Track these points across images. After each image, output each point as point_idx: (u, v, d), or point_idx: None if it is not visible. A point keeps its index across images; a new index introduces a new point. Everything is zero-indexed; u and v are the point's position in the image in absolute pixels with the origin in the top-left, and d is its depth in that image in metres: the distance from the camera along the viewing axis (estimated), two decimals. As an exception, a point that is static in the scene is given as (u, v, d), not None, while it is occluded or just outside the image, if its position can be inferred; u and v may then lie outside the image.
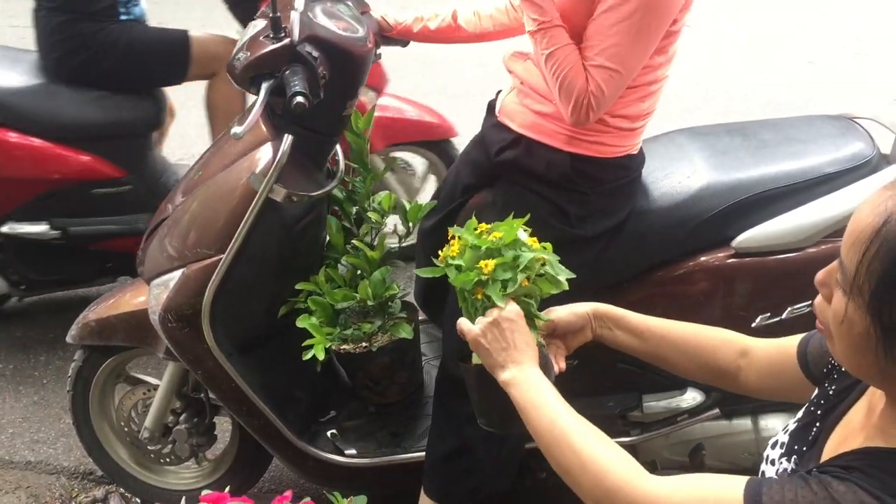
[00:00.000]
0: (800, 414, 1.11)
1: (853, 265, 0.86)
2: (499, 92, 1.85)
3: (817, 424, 1.05)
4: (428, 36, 1.99)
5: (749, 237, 1.73)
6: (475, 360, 1.25)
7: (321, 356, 1.72)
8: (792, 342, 1.21)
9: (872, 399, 0.99)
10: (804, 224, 1.71)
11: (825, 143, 1.83)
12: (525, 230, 1.24)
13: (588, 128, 1.64)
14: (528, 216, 1.28)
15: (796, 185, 1.74)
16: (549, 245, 1.25)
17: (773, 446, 1.11)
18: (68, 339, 2.07)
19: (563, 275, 1.22)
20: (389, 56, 2.12)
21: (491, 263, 1.19)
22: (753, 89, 4.91)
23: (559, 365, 1.29)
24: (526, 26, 1.60)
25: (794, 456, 1.05)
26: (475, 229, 1.25)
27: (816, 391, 1.12)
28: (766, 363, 1.23)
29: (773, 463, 1.08)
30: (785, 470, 1.04)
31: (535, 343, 1.19)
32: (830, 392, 1.08)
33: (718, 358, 1.27)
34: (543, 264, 1.22)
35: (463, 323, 1.22)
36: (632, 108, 1.66)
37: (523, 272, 1.19)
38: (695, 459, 1.92)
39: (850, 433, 0.99)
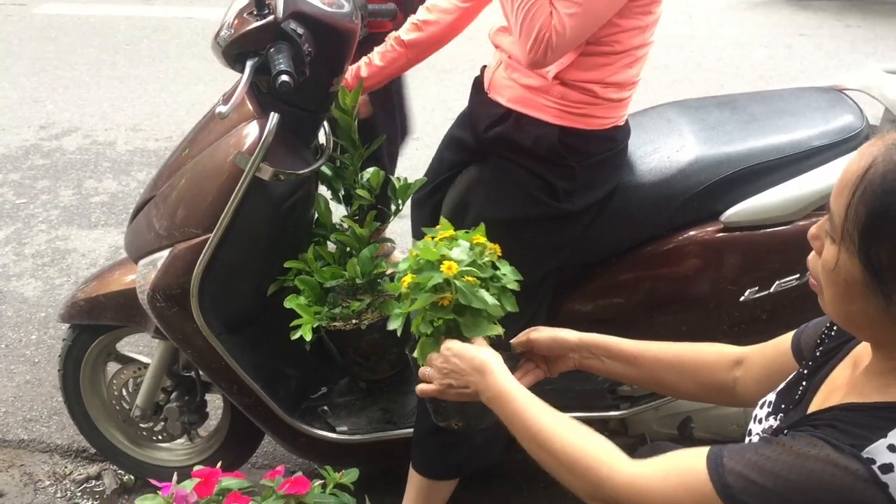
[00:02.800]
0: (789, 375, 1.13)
1: (841, 211, 0.87)
2: (483, 67, 1.84)
3: (804, 383, 1.07)
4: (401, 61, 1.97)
5: (738, 211, 1.73)
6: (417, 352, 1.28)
7: (308, 336, 1.72)
8: (785, 339, 1.21)
9: (858, 357, 1.00)
10: (793, 197, 1.71)
11: (814, 116, 1.82)
12: (479, 242, 1.27)
13: (577, 100, 1.64)
14: (482, 227, 1.30)
15: (785, 158, 1.73)
16: (505, 266, 1.29)
17: (762, 406, 1.13)
18: (58, 318, 2.07)
19: (478, 303, 1.21)
20: (377, 30, 2.10)
21: (407, 279, 1.24)
22: (742, 60, 4.89)
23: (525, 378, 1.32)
24: None
25: (781, 414, 1.07)
26: (434, 237, 1.29)
27: None
28: (762, 366, 1.23)
29: (759, 422, 1.10)
30: (770, 427, 1.06)
31: (483, 348, 1.21)
32: (818, 353, 1.09)
33: (715, 372, 1.27)
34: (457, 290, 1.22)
35: (421, 389, 1.26)
36: (621, 75, 1.64)
37: (432, 293, 1.22)
38: (684, 432, 1.93)
39: (834, 390, 1.00)
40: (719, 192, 1.73)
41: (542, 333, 1.32)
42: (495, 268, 1.28)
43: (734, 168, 1.73)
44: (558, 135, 1.66)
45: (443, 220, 1.34)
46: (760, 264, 1.75)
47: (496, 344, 1.27)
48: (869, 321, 0.90)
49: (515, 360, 1.35)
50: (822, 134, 1.76)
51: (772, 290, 1.74)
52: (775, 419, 1.07)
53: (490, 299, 1.22)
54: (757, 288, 1.75)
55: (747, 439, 1.11)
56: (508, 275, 1.26)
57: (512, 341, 1.33)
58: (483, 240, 1.27)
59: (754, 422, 1.12)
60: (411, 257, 1.26)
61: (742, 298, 1.76)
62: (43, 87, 4.97)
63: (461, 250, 1.24)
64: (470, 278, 1.21)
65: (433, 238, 1.29)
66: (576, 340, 1.31)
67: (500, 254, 1.29)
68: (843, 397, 0.95)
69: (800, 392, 1.06)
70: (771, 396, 1.12)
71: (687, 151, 1.77)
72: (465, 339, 1.25)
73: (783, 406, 1.07)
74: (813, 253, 0.96)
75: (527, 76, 1.67)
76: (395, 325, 1.29)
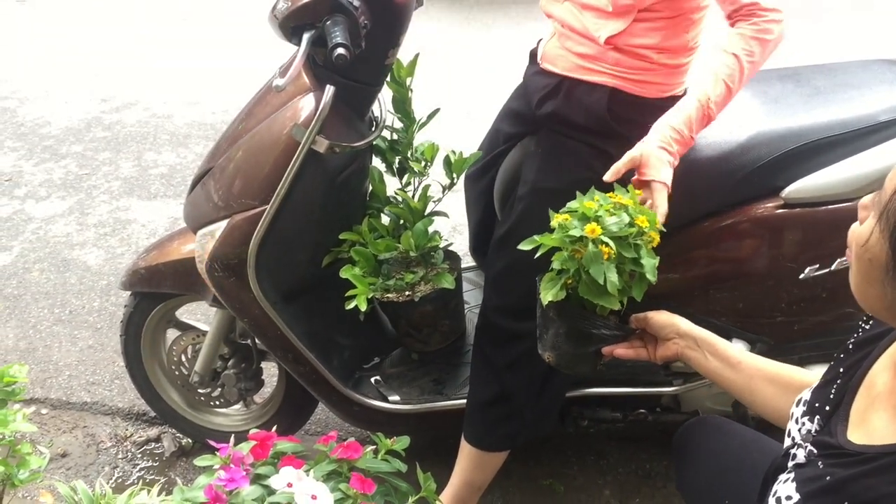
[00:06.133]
0: (825, 370, 1.10)
1: (890, 188, 0.84)
2: (539, 40, 1.82)
3: (838, 382, 1.03)
4: None
5: (799, 187, 1.68)
6: (554, 295, 1.28)
7: (363, 307, 1.74)
8: None
9: None
10: (857, 174, 1.66)
11: (881, 90, 1.76)
12: (641, 224, 1.28)
13: (632, 66, 1.62)
14: (655, 214, 1.31)
15: (850, 133, 1.68)
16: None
17: (798, 403, 1.10)
18: (119, 286, 2.12)
19: (597, 273, 1.22)
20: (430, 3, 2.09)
21: (559, 217, 1.27)
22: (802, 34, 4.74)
23: (618, 350, 1.36)
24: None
25: (818, 416, 1.03)
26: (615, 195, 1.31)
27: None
28: None
29: (796, 421, 1.08)
30: (809, 431, 1.03)
31: None
32: (851, 346, 1.06)
33: None
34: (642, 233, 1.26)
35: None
36: (677, 41, 1.62)
37: (569, 242, 1.24)
38: (738, 410, 1.91)
39: (877, 398, 0.97)
40: (780, 167, 1.69)
41: (660, 315, 1.35)
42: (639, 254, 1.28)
43: (796, 143, 1.68)
44: (608, 102, 1.64)
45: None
46: (821, 242, 1.71)
47: (614, 313, 1.32)
48: (885, 308, 0.87)
49: (628, 332, 1.38)
50: (889, 108, 1.70)
51: (832, 268, 1.70)
52: (811, 421, 1.04)
53: (613, 278, 1.21)
54: (817, 266, 1.71)
55: (787, 440, 1.08)
56: (647, 267, 1.26)
57: (633, 316, 1.37)
58: (647, 224, 1.27)
59: (792, 420, 1.09)
60: (581, 203, 1.28)
61: (801, 276, 1.72)
62: (103, 60, 5.07)
63: (618, 222, 1.24)
64: (605, 249, 1.21)
65: (615, 195, 1.31)
66: (686, 329, 1.33)
67: (655, 245, 1.29)
68: (891, 416, 0.92)
69: (834, 391, 1.03)
70: (806, 394, 1.09)
71: (748, 125, 1.73)
72: (579, 298, 1.27)
73: (818, 406, 1.04)
74: (856, 223, 0.92)
75: (580, 44, 1.65)
76: (527, 246, 1.31)
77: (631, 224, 1.25)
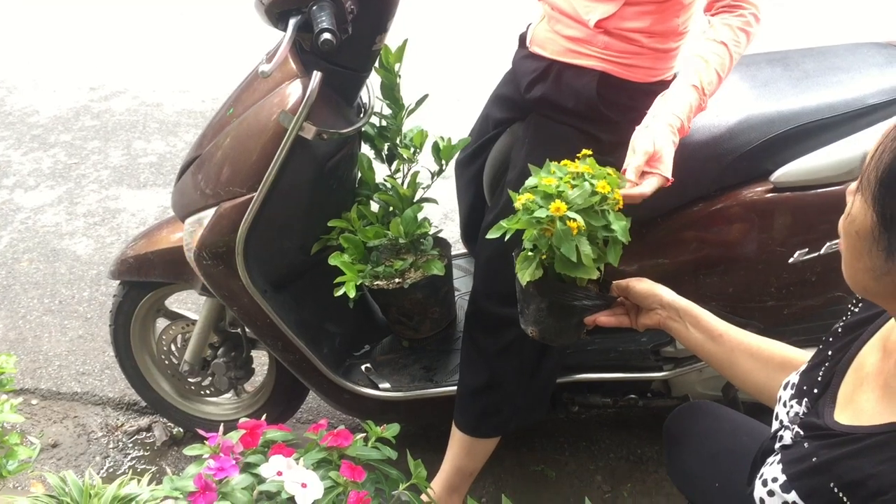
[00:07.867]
0: (812, 354, 1.11)
1: (868, 156, 0.84)
2: (529, 24, 1.81)
3: (826, 364, 1.04)
4: None
5: (788, 171, 1.68)
6: (531, 275, 1.28)
7: (352, 294, 1.73)
8: None
9: (888, 341, 0.97)
10: (847, 157, 1.66)
11: (870, 73, 1.76)
12: (603, 191, 1.26)
13: (621, 49, 1.61)
14: (613, 173, 1.29)
15: (839, 116, 1.68)
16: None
17: (785, 387, 1.10)
18: (108, 275, 2.11)
19: (569, 250, 1.21)
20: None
21: (522, 198, 1.24)
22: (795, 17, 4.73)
23: (601, 318, 1.33)
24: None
25: (805, 399, 1.03)
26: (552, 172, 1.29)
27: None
28: None
29: (784, 405, 1.08)
30: (796, 414, 1.03)
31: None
32: (839, 329, 1.06)
33: (787, 374, 1.23)
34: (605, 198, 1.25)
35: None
36: (667, 25, 1.60)
37: (536, 222, 1.23)
38: (728, 394, 1.92)
39: (865, 378, 0.97)
40: (770, 151, 1.69)
41: (642, 283, 1.34)
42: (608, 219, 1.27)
43: (785, 127, 1.68)
44: (598, 86, 1.63)
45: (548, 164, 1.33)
46: (811, 226, 1.71)
47: (594, 281, 1.31)
48: (874, 280, 0.86)
49: (610, 300, 1.37)
50: (877, 91, 1.70)
51: (822, 251, 1.71)
52: (800, 404, 1.04)
53: (586, 250, 1.21)
54: (807, 250, 1.72)
55: (775, 423, 1.08)
56: (619, 230, 1.25)
57: (614, 283, 1.37)
58: (608, 189, 1.25)
59: (780, 403, 1.10)
60: (539, 179, 1.26)
61: (791, 260, 1.72)
62: (92, 49, 5.03)
63: (581, 193, 1.23)
64: (573, 224, 1.20)
65: (572, 163, 1.30)
66: (669, 300, 1.32)
67: (621, 206, 1.28)
68: (879, 397, 0.92)
69: (822, 373, 1.03)
70: (794, 378, 1.09)
71: (737, 109, 1.72)
72: (556, 274, 1.26)
73: (806, 388, 1.04)
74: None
75: (569, 28, 1.64)
76: (495, 234, 1.30)
77: (594, 192, 1.24)
